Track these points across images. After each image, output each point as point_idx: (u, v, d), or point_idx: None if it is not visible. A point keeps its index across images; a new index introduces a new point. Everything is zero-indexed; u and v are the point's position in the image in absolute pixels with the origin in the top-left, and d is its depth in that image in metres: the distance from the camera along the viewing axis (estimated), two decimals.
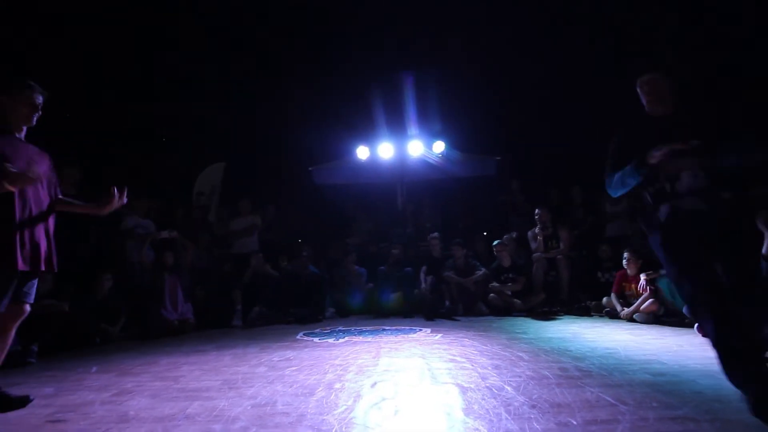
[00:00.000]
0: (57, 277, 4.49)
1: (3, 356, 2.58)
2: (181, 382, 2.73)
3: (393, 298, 6.26)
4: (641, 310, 4.76)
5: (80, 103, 8.32)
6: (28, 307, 2.61)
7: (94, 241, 5.43)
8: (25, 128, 2.68)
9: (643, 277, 4.83)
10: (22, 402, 2.51)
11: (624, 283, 5.13)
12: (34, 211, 2.54)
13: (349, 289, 6.47)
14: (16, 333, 3.55)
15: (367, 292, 6.44)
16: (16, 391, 2.67)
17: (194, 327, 5.21)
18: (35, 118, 2.67)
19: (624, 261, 5.09)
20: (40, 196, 2.60)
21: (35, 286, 2.66)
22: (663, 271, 4.69)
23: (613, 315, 5.11)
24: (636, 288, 4.95)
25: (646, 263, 4.88)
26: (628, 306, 4.93)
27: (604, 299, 5.39)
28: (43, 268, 2.55)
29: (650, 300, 4.70)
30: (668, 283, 4.59)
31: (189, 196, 7.86)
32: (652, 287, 4.74)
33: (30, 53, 7.64)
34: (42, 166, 2.61)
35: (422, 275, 6.23)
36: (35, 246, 2.52)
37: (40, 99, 2.67)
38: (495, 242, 6.24)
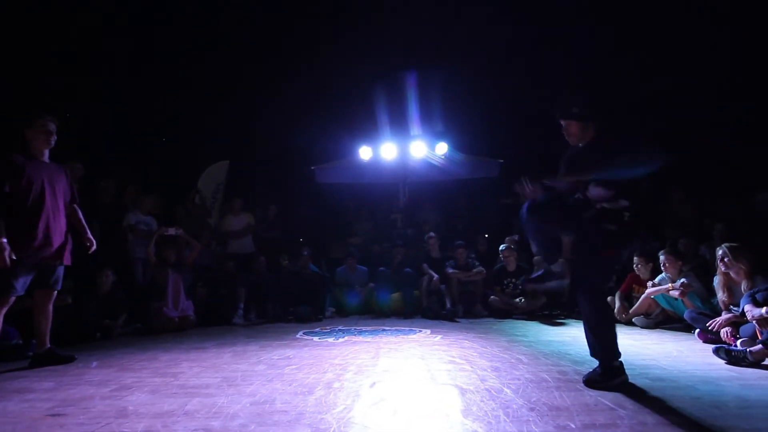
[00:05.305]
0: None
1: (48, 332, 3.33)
2: (180, 378, 2.74)
3: (392, 298, 6.26)
4: (637, 307, 4.76)
5: (84, 100, 8.37)
6: (55, 293, 3.38)
7: (96, 236, 5.46)
8: (46, 151, 3.29)
9: (650, 285, 4.77)
10: (69, 359, 3.27)
11: (634, 285, 5.10)
12: (51, 216, 3.25)
13: (350, 290, 6.46)
14: (18, 327, 3.62)
15: (367, 292, 6.43)
16: (17, 384, 2.70)
17: (195, 324, 5.22)
18: (53, 142, 3.28)
19: (636, 265, 5.03)
20: (58, 205, 3.32)
21: (61, 275, 3.36)
22: (659, 279, 4.70)
23: (614, 320, 5.08)
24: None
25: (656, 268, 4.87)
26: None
27: (609, 298, 5.37)
28: (58, 261, 3.30)
29: (648, 300, 4.71)
30: (663, 295, 4.60)
31: (190, 193, 7.87)
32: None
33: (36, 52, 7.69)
34: (60, 183, 3.33)
35: (426, 267, 6.21)
36: (50, 241, 3.23)
37: (53, 126, 3.26)
38: (502, 246, 6.11)
